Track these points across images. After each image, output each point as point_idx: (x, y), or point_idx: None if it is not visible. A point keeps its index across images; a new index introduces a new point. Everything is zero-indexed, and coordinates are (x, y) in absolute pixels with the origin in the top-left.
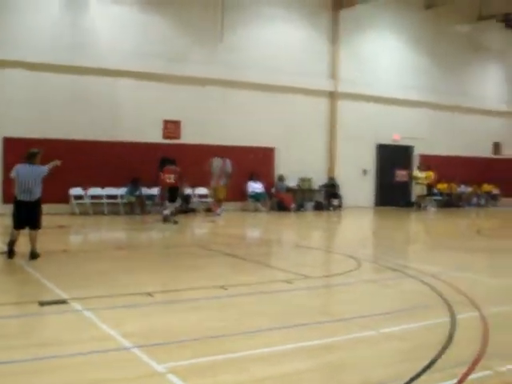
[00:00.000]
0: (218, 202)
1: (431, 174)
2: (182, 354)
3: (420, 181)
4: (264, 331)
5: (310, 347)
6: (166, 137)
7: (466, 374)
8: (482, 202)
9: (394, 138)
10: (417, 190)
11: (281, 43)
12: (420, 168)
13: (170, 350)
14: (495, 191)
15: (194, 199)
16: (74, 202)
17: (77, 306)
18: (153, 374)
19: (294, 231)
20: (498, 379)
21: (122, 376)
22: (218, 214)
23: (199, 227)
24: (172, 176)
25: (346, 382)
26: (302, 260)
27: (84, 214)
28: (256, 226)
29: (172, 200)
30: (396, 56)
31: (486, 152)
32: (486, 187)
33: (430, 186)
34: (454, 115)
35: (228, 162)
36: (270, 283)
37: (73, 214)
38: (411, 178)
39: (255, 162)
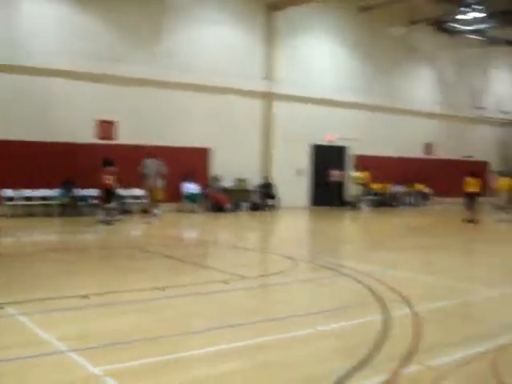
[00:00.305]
0: (155, 202)
1: (367, 174)
2: (118, 356)
3: (357, 181)
4: (202, 332)
5: (247, 347)
6: (100, 137)
7: (399, 369)
8: (415, 201)
9: (327, 138)
10: (353, 190)
11: (216, 45)
12: (357, 168)
13: (107, 352)
14: (426, 190)
15: (129, 200)
16: (5, 203)
17: (11, 310)
18: (89, 377)
19: (230, 232)
20: (429, 373)
21: (57, 380)
22: (155, 215)
23: (135, 229)
24: (111, 177)
25: (283, 380)
26: (238, 260)
27: (16, 216)
28: (192, 227)
29: (108, 201)
30: (331, 58)
31: (418, 152)
32: (418, 186)
33: (365, 186)
34: (388, 116)
35: (161, 163)
36: (207, 284)
37: (3, 215)
38: (349, 178)
39: (190, 162)
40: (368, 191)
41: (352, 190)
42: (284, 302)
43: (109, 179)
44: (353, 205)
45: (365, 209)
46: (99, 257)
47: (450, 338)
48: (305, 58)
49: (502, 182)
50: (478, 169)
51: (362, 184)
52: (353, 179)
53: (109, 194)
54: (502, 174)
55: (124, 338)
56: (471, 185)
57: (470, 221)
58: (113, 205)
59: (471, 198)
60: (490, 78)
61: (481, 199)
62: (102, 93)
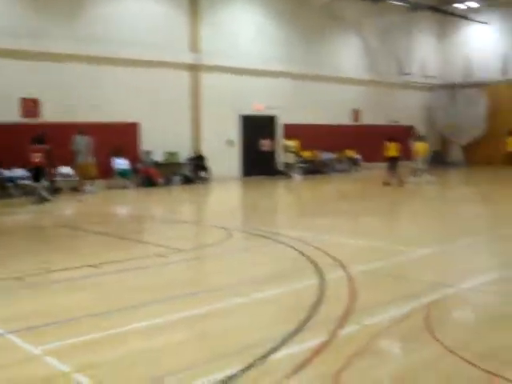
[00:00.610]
0: (88, 179)
1: (298, 142)
2: (57, 335)
3: (289, 149)
4: (140, 306)
5: (186, 318)
6: (24, 116)
7: (336, 330)
8: (345, 167)
9: (256, 107)
10: (286, 159)
11: (140, 18)
12: (288, 136)
13: (45, 332)
14: (356, 156)
15: (58, 178)
16: None
17: None
18: (30, 358)
19: (164, 206)
20: (366, 332)
21: None
22: (89, 193)
23: (67, 207)
24: (39, 155)
25: (223, 349)
26: (173, 234)
27: None
28: (125, 203)
29: (37, 180)
30: (256, 27)
31: (346, 119)
32: (348, 153)
33: (296, 154)
34: (315, 84)
35: (90, 139)
36: (144, 259)
37: None
38: (280, 146)
39: (120, 138)
40: (299, 159)
41: (283, 159)
42: (220, 272)
43: (37, 157)
44: (285, 173)
45: (297, 177)
46: (31, 237)
47: (383, 297)
48: (230, 29)
49: (419, 146)
50: (402, 133)
51: (293, 152)
52: (284, 148)
53: (38, 173)
54: (419, 138)
55: (62, 317)
56: (391, 149)
57: (387, 183)
58: (43, 183)
59: (392, 162)
60: (414, 43)
61: (404, 163)
62: (24, 70)
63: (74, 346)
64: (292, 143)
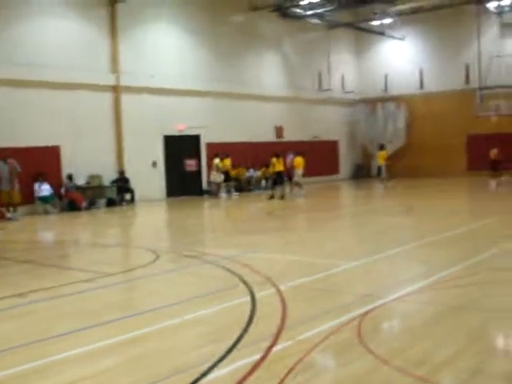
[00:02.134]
0: (11, 206)
1: (229, 161)
2: None
3: (220, 168)
4: (70, 334)
5: (117, 343)
6: None
7: (270, 347)
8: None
9: (179, 128)
10: (214, 178)
11: (60, 39)
12: (220, 156)
13: None
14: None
15: None
16: None
17: None
18: None
19: (89, 230)
20: (299, 347)
21: None
22: (12, 220)
23: None
24: None
25: (157, 372)
26: (99, 258)
27: None
28: (49, 229)
29: None
30: (176, 47)
31: (269, 136)
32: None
33: (227, 173)
34: (236, 102)
35: (15, 162)
36: (70, 285)
37: None
38: (213, 166)
39: (41, 162)
40: (230, 178)
41: (212, 178)
42: (150, 294)
43: None
44: (213, 193)
45: (224, 196)
46: None
47: (315, 311)
48: (150, 48)
49: (297, 161)
50: (324, 148)
51: (223, 171)
52: (215, 167)
53: None
54: (299, 153)
55: None
56: (277, 164)
57: (272, 197)
58: None
59: (278, 176)
60: (333, 60)
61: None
62: None
63: (3, 380)
64: (223, 162)
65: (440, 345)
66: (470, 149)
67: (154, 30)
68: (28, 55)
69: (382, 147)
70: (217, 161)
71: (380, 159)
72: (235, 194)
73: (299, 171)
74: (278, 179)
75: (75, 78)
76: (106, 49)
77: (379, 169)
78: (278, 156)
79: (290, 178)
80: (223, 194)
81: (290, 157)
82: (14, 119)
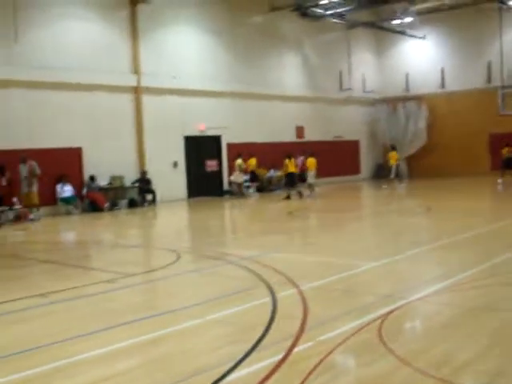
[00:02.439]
0: (31, 207)
1: (254, 161)
2: (8, 369)
3: (244, 169)
4: (93, 334)
5: (139, 343)
6: None
7: (291, 348)
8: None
9: (200, 128)
10: (237, 178)
11: (81, 41)
12: (243, 157)
13: None
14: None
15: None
16: None
17: None
18: None
19: (111, 230)
20: (320, 348)
21: None
22: (33, 220)
23: (12, 236)
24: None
25: (177, 373)
26: (122, 258)
27: None
28: (71, 230)
29: None
30: (196, 48)
31: (290, 136)
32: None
33: (253, 173)
34: (257, 103)
35: (35, 165)
36: (92, 285)
37: None
38: (237, 166)
39: (63, 163)
40: (256, 177)
41: (235, 178)
42: (172, 295)
43: None
44: (235, 193)
45: (253, 195)
46: None
47: (336, 312)
48: (171, 50)
49: (310, 162)
50: (346, 148)
51: (250, 171)
52: (238, 166)
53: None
54: (311, 155)
55: (13, 350)
56: (289, 166)
57: (287, 197)
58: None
59: (290, 177)
60: (353, 59)
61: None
62: None
63: (26, 379)
64: (241, 162)
65: (461, 347)
66: (492, 148)
67: (175, 32)
68: (48, 57)
69: (393, 148)
70: (239, 161)
71: (392, 160)
72: (254, 194)
73: (311, 172)
74: (290, 180)
75: (96, 80)
76: (127, 50)
77: (391, 169)
78: (290, 157)
79: (303, 180)
80: (250, 193)
81: (300, 159)
82: (37, 121)
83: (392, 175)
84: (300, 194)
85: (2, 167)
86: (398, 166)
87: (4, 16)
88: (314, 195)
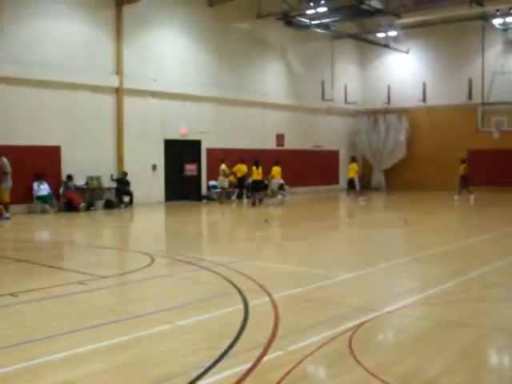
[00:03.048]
0: (5, 205)
1: (245, 167)
2: None
3: (226, 174)
4: (60, 335)
5: (107, 347)
6: None
7: (261, 357)
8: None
9: (181, 132)
10: (221, 183)
11: (64, 40)
12: (226, 162)
13: None
14: (281, 181)
15: None
16: None
17: None
18: None
19: (85, 231)
20: (290, 358)
21: None
22: (8, 218)
23: None
24: None
25: (144, 378)
26: (95, 260)
27: None
28: (45, 229)
29: None
30: (180, 52)
31: (270, 144)
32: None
33: (243, 179)
34: (239, 109)
35: (6, 161)
36: (64, 286)
37: None
38: (221, 171)
39: (40, 161)
40: (242, 184)
41: (220, 183)
42: (143, 299)
43: None
44: (220, 198)
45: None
46: None
47: (307, 322)
48: (155, 53)
49: (275, 170)
50: (326, 158)
51: (240, 177)
52: (222, 172)
53: None
54: (276, 163)
55: None
56: (255, 173)
57: (253, 204)
58: None
59: (256, 184)
60: (336, 70)
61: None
62: None
63: None
64: (225, 167)
65: (430, 361)
66: (470, 164)
67: (159, 34)
68: (31, 54)
69: (353, 159)
70: (223, 166)
71: (351, 172)
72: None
73: (275, 180)
74: (255, 187)
75: (78, 79)
76: (110, 51)
77: (350, 182)
78: (257, 165)
79: (265, 187)
80: (273, 200)
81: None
82: (15, 117)
83: (356, 188)
84: (258, 202)
85: None
86: (355, 180)
87: None
88: (275, 202)
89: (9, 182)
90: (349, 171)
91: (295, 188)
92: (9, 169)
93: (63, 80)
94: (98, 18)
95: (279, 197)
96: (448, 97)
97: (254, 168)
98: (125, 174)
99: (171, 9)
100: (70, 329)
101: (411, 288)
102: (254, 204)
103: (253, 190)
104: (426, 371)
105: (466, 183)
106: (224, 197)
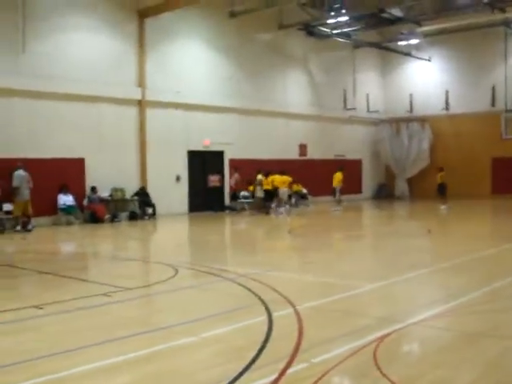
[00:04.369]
0: (28, 217)
1: (289, 178)
2: None
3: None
4: (85, 348)
5: (131, 359)
6: None
7: (285, 369)
8: (293, 201)
9: (205, 143)
10: (259, 193)
11: (87, 53)
12: (261, 173)
13: None
14: (304, 191)
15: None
16: None
17: None
18: None
19: (110, 243)
20: (315, 370)
21: None
22: (29, 230)
23: (9, 245)
24: None
25: None
26: (119, 272)
27: None
28: (69, 240)
29: None
30: (204, 64)
31: (293, 154)
32: (296, 187)
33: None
34: (261, 120)
35: (17, 174)
36: (88, 298)
37: None
38: (258, 181)
39: (65, 173)
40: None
41: (258, 194)
42: (168, 310)
43: None
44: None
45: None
46: None
47: (332, 333)
48: (178, 65)
49: (335, 176)
50: (349, 167)
51: (274, 188)
52: (258, 182)
53: None
54: (339, 168)
55: (2, 362)
56: (265, 183)
57: (267, 213)
58: None
59: (267, 194)
60: (358, 79)
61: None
62: None
63: None
64: (262, 178)
65: (456, 373)
66: (494, 172)
67: (182, 46)
68: (54, 68)
69: (340, 169)
70: (259, 176)
71: (335, 181)
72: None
73: (283, 190)
74: (267, 197)
75: (101, 92)
76: (132, 63)
77: (334, 191)
78: (267, 175)
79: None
80: (282, 209)
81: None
82: (41, 131)
83: (337, 197)
84: (267, 213)
85: None
86: (336, 189)
87: (13, 26)
88: (284, 212)
89: (23, 196)
90: (333, 180)
91: (318, 197)
92: (20, 182)
93: (86, 93)
94: (120, 31)
95: (287, 206)
96: (471, 104)
97: (264, 178)
98: (143, 187)
99: (193, 21)
100: (95, 341)
101: (436, 298)
102: (267, 213)
103: (265, 200)
104: (452, 382)
105: (443, 191)
106: (260, 207)
